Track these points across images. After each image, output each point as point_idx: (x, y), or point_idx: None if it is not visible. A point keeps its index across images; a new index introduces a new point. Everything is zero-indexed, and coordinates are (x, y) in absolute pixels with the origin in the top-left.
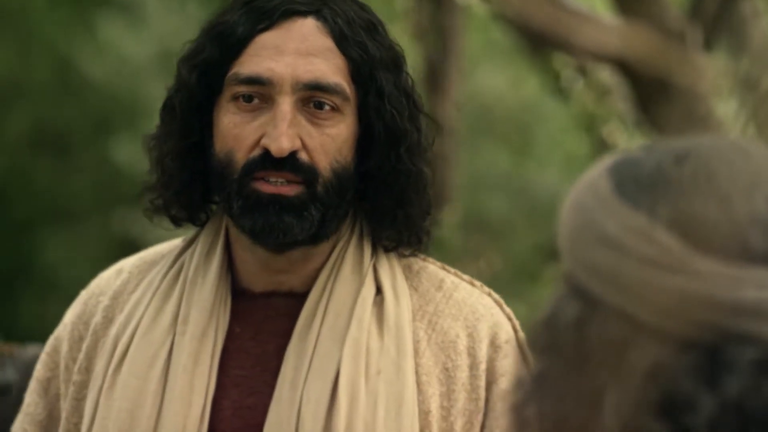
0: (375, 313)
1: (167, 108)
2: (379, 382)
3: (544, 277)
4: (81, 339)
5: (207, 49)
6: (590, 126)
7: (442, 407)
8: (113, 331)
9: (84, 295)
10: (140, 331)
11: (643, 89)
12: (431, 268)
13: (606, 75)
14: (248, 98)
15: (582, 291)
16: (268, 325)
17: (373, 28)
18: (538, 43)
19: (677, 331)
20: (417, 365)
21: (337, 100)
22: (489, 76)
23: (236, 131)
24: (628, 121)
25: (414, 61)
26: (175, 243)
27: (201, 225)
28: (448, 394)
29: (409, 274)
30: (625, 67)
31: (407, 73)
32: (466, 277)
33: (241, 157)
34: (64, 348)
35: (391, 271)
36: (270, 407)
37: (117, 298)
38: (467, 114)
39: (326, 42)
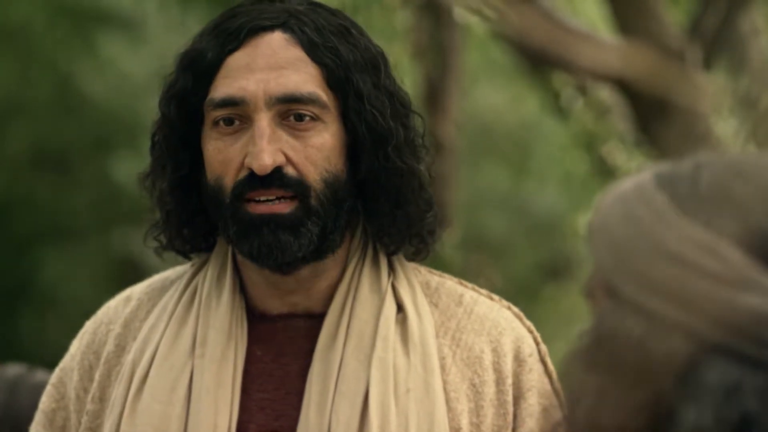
0: (399, 332)
1: (155, 144)
2: (409, 401)
3: (543, 295)
4: (92, 368)
5: (180, 79)
6: (590, 145)
7: (471, 423)
8: (129, 357)
9: (91, 324)
10: (159, 356)
11: (642, 108)
12: (449, 283)
13: (605, 94)
14: (229, 121)
15: (638, 307)
16: (289, 347)
17: (346, 31)
18: (538, 61)
19: (747, 350)
20: (444, 382)
21: (315, 110)
22: (488, 94)
23: (221, 156)
24: (628, 140)
25: (414, 80)
26: (184, 268)
27: (209, 250)
28: (476, 410)
29: (428, 290)
30: (624, 85)
31: (388, 72)
32: (484, 291)
33: (229, 181)
34: (74, 378)
35: (410, 288)
36: (298, 429)
37: (128, 326)
38: (467, 132)
39: (296, 53)
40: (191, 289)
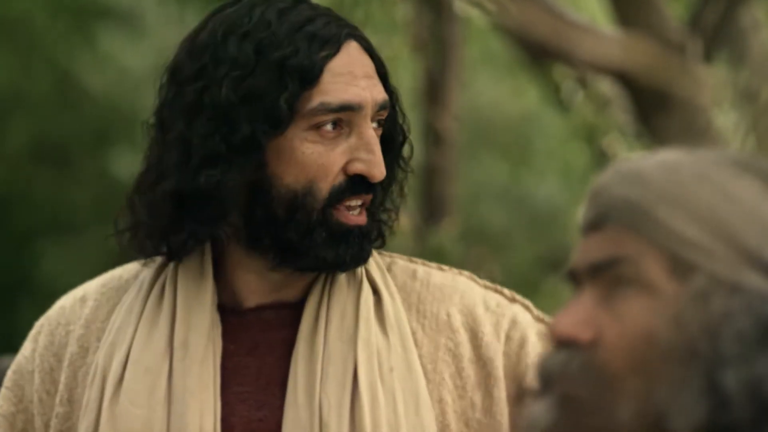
0: (376, 314)
1: (241, 141)
2: (393, 379)
3: (543, 288)
4: (53, 370)
5: (289, 83)
6: (590, 137)
7: (456, 387)
8: (96, 359)
9: (47, 325)
10: (132, 359)
11: (643, 101)
12: (400, 262)
13: (606, 86)
14: (334, 125)
15: (726, 281)
16: (262, 338)
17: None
18: (538, 54)
19: None
20: (420, 356)
21: (385, 116)
22: (488, 87)
23: (322, 160)
24: (628, 133)
25: (414, 73)
26: (135, 267)
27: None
28: (458, 373)
29: (388, 272)
30: (625, 78)
31: None
32: (433, 264)
33: (325, 185)
34: (35, 381)
35: (380, 271)
36: (285, 415)
37: (89, 327)
38: (467, 125)
39: (370, 62)
40: (157, 290)
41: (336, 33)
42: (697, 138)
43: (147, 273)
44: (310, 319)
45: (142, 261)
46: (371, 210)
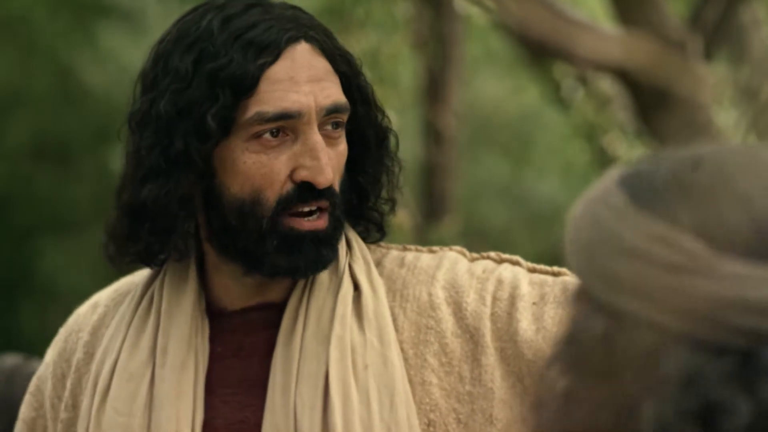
0: (355, 310)
1: (176, 155)
2: (368, 377)
3: None
4: (64, 377)
5: (221, 96)
6: (590, 135)
7: (441, 364)
8: (93, 366)
9: (63, 332)
10: (119, 367)
11: (643, 98)
12: (393, 252)
13: (606, 84)
14: (274, 133)
15: (604, 305)
16: (247, 339)
17: (332, 33)
18: (539, 52)
19: (710, 337)
20: (401, 342)
21: (345, 117)
22: (489, 85)
23: (264, 170)
24: (629, 131)
25: (414, 71)
26: (148, 272)
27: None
28: (442, 349)
29: (378, 266)
30: (625, 76)
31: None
32: (425, 248)
33: (271, 194)
34: (48, 387)
35: (365, 265)
36: (264, 416)
37: (96, 333)
38: (467, 123)
39: (324, 63)
40: (148, 296)
41: (276, 38)
42: (697, 135)
43: (142, 279)
44: (290, 320)
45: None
46: (334, 213)
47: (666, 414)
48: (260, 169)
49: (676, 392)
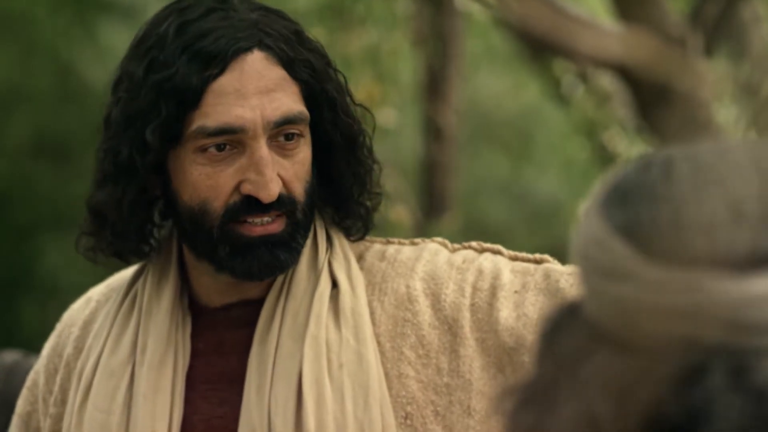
0: (332, 307)
1: (122, 163)
2: (343, 375)
3: None
4: (56, 371)
5: (163, 108)
6: (591, 132)
7: (418, 356)
8: (79, 362)
9: (58, 327)
10: (101, 363)
11: (643, 95)
12: (376, 246)
13: (606, 81)
14: (219, 147)
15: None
16: (229, 335)
17: (301, 35)
18: (539, 48)
19: (641, 343)
20: (377, 335)
21: (302, 127)
22: (489, 82)
23: (210, 182)
24: (629, 127)
25: (414, 68)
26: (136, 268)
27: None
28: (419, 341)
29: (360, 260)
30: (625, 73)
31: (335, 68)
32: (407, 241)
33: (218, 205)
34: (41, 381)
35: (346, 263)
36: (240, 414)
37: (86, 328)
38: (467, 120)
39: (278, 72)
40: (132, 294)
41: (224, 49)
42: (697, 132)
43: (130, 278)
44: (266, 318)
45: (139, 263)
46: (293, 218)
47: (615, 420)
48: (206, 180)
49: (596, 395)
